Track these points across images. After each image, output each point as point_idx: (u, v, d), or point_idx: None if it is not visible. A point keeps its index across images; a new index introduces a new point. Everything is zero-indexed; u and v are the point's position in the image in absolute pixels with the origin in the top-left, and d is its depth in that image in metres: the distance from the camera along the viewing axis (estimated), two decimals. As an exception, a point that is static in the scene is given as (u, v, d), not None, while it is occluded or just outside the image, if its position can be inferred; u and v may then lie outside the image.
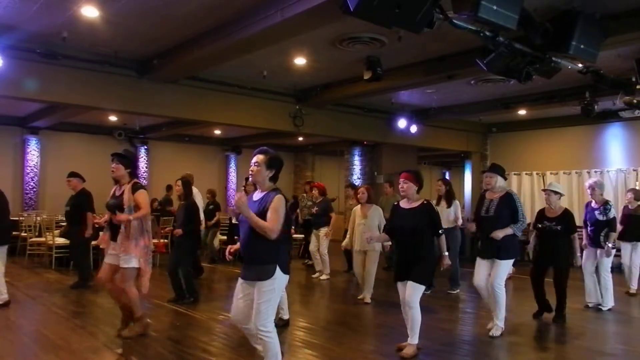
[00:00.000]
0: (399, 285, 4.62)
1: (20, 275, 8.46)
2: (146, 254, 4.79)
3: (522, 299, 6.97)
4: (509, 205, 5.11)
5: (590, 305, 6.57)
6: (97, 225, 7.15)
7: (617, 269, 7.81)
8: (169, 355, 4.55)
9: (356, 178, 13.81)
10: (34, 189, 12.98)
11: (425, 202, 4.63)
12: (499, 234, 5.03)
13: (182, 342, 4.91)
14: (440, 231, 4.59)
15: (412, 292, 4.44)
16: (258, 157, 3.53)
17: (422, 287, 4.49)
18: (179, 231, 6.55)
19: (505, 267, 5.15)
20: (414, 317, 4.46)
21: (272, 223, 3.35)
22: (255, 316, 3.39)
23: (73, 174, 7.50)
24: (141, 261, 4.75)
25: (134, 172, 4.97)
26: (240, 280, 3.54)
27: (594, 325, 5.99)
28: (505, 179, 5.45)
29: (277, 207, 3.40)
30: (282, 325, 5.27)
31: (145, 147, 14.76)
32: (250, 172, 3.57)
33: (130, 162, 4.96)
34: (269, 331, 3.40)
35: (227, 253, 3.91)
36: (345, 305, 7.04)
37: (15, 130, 12.86)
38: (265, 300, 3.38)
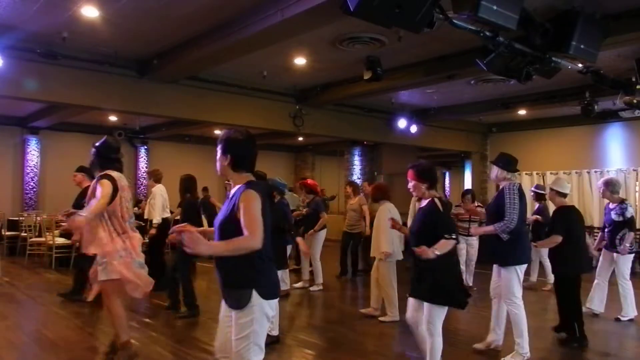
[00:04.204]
0: (409, 300, 3.92)
1: (20, 275, 8.46)
2: (125, 260, 3.96)
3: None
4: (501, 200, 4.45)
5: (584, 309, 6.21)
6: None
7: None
8: (169, 356, 4.55)
9: (356, 178, 13.81)
10: (34, 189, 12.99)
11: (433, 199, 3.79)
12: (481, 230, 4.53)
13: (183, 342, 4.92)
14: (446, 235, 3.61)
15: (428, 315, 3.64)
16: (218, 148, 2.75)
17: (442, 308, 3.64)
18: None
19: (509, 276, 4.39)
20: (432, 347, 3.65)
21: (248, 230, 2.48)
22: (235, 356, 2.56)
23: (80, 169, 6.63)
24: (122, 270, 3.93)
25: (104, 165, 4.15)
26: (222, 302, 2.74)
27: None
28: (501, 167, 4.59)
29: (249, 206, 2.52)
30: (270, 343, 4.72)
31: (145, 147, 14.77)
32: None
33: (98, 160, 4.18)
34: None
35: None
36: (344, 306, 7.04)
37: (15, 130, 12.87)
38: (242, 337, 2.53)
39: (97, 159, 4.17)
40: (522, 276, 4.47)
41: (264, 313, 2.56)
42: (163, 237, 7.12)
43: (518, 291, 4.41)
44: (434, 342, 3.68)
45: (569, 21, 5.29)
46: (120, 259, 3.94)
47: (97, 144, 4.21)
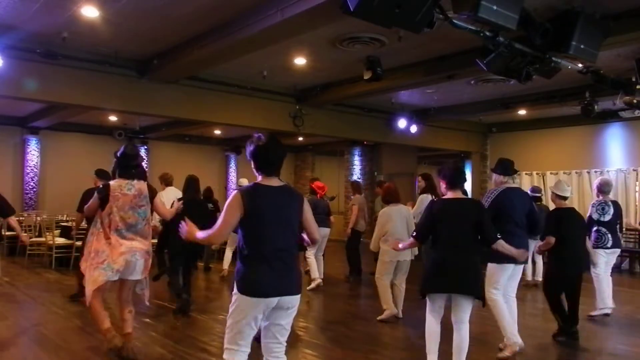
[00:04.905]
0: None
1: (20, 275, 8.46)
2: (90, 261, 4.24)
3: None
4: None
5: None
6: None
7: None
8: (168, 356, 4.55)
9: (356, 178, 13.80)
10: (34, 189, 12.98)
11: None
12: None
13: (182, 342, 4.91)
14: (412, 234, 4.24)
15: None
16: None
17: (428, 295, 3.97)
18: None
19: (489, 271, 4.62)
20: (426, 330, 4.02)
21: (215, 226, 2.81)
22: None
23: (96, 172, 6.68)
24: (83, 267, 4.33)
25: (116, 171, 4.48)
26: None
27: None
28: (500, 173, 4.85)
29: (224, 207, 2.81)
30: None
31: (145, 147, 14.76)
32: None
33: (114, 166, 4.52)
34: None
35: None
36: (346, 305, 7.04)
37: (15, 130, 12.86)
38: (228, 315, 2.85)
39: (114, 167, 4.46)
40: (507, 273, 4.55)
41: (238, 305, 2.75)
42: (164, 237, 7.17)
43: (497, 284, 4.56)
44: (426, 326, 3.99)
45: (569, 21, 5.30)
46: (90, 260, 4.23)
47: (116, 153, 4.47)
